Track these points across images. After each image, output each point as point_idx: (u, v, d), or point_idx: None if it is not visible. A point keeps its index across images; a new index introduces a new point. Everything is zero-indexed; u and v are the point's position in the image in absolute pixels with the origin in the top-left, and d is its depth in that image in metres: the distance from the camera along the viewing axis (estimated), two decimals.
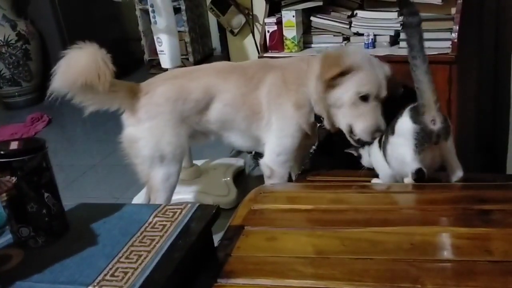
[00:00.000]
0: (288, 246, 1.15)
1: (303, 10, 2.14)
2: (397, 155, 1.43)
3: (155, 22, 2.29)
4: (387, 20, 2.01)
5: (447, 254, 1.10)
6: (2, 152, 1.03)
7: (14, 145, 1.05)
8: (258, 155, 1.94)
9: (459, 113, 1.89)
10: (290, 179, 1.94)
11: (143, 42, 4.60)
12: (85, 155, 3.38)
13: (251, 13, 2.69)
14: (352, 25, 2.09)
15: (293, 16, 2.10)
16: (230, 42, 2.87)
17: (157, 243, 1.05)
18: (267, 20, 2.18)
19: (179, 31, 3.22)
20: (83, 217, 1.18)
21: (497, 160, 2.31)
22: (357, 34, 2.08)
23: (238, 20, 2.74)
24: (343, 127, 1.71)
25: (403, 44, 1.98)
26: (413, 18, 1.39)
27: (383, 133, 1.59)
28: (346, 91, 1.65)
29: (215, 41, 4.69)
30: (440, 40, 1.89)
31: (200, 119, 1.83)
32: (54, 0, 4.47)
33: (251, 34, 2.70)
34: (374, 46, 2.03)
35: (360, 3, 2.10)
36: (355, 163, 1.69)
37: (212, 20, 4.43)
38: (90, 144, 3.58)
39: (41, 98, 4.39)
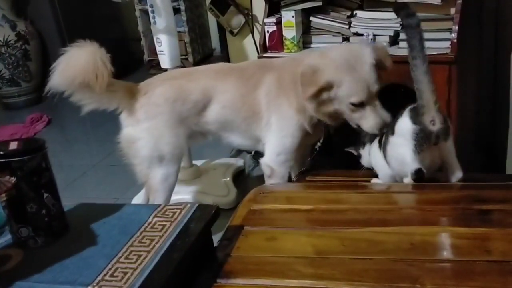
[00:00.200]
0: (287, 246, 1.15)
1: (303, 10, 2.14)
2: (396, 155, 1.43)
3: (155, 23, 2.29)
4: (387, 20, 2.01)
5: (446, 254, 1.10)
6: (1, 152, 1.03)
7: (13, 145, 1.05)
8: (257, 155, 1.94)
9: (459, 113, 1.89)
10: (290, 179, 1.94)
11: (142, 42, 4.59)
12: (85, 155, 3.38)
13: (250, 13, 2.69)
14: (352, 25, 2.09)
15: (293, 16, 2.10)
16: (230, 42, 2.87)
17: (156, 243, 1.05)
18: (266, 20, 2.18)
19: (178, 32, 3.22)
20: (82, 217, 1.18)
21: (496, 160, 2.31)
22: (357, 34, 2.08)
23: (238, 20, 2.74)
24: (353, 126, 1.70)
25: (402, 44, 1.98)
26: (411, 19, 1.39)
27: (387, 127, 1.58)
28: (338, 104, 1.64)
29: (215, 42, 4.68)
30: (439, 40, 1.90)
31: (199, 120, 1.83)
32: (53, 0, 4.47)
33: (250, 34, 2.70)
34: None
35: (360, 3, 2.10)
36: (354, 163, 1.69)
37: (212, 21, 4.43)
38: (89, 144, 3.58)
39: (40, 99, 4.39)
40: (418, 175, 1.36)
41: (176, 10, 4.02)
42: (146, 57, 4.63)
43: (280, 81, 1.77)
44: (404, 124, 1.39)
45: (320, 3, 2.13)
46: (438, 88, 1.82)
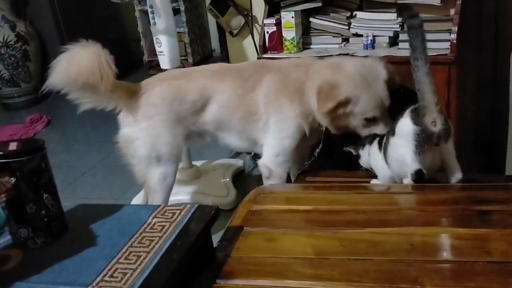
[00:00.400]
0: (287, 246, 1.15)
1: (302, 11, 2.14)
2: (397, 156, 1.43)
3: (154, 23, 2.29)
4: (386, 21, 2.01)
5: (446, 254, 1.10)
6: (1, 153, 1.03)
7: (13, 146, 1.05)
8: (257, 156, 1.94)
9: (458, 114, 1.89)
10: (289, 180, 1.94)
11: (142, 43, 4.60)
12: (84, 156, 3.38)
13: (250, 14, 2.69)
14: (351, 26, 2.09)
15: (292, 17, 2.10)
16: (230, 43, 2.87)
17: (156, 244, 1.05)
18: (266, 21, 2.18)
19: (178, 32, 3.22)
20: (82, 218, 1.18)
21: (496, 160, 2.31)
22: (356, 35, 2.08)
23: (237, 21, 2.74)
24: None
25: (402, 45, 1.98)
26: (414, 20, 1.39)
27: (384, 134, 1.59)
28: (354, 119, 1.69)
29: (215, 42, 4.68)
30: (439, 41, 1.89)
31: (197, 120, 1.83)
32: (53, 1, 4.47)
33: (250, 35, 2.70)
34: (373, 47, 2.03)
35: (359, 4, 2.10)
36: (354, 164, 1.69)
37: (212, 21, 4.43)
38: (89, 145, 3.58)
39: (40, 99, 4.38)
40: (418, 176, 1.37)
41: (176, 11, 4.02)
42: (145, 57, 4.63)
43: (281, 84, 1.77)
44: (405, 125, 1.39)
45: (319, 4, 2.13)
46: (438, 88, 1.82)
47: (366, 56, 1.87)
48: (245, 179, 2.68)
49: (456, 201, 1.29)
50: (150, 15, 2.29)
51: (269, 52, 2.19)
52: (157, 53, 2.37)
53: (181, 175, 2.53)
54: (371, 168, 1.62)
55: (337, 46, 2.12)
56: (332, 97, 1.65)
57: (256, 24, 2.68)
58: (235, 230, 1.22)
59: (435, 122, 1.35)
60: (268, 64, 1.90)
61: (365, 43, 2.03)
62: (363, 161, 1.65)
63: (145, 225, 1.12)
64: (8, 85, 4.38)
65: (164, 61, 2.35)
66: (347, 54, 2.01)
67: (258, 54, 2.26)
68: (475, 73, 2.27)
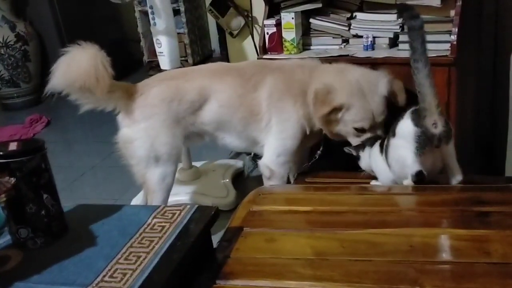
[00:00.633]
0: (287, 247, 1.15)
1: (302, 12, 2.14)
2: (397, 157, 1.43)
3: (154, 24, 2.29)
4: (386, 22, 2.01)
5: (446, 256, 1.10)
6: (1, 153, 1.03)
7: (13, 146, 1.05)
8: (257, 157, 1.94)
9: (458, 115, 1.89)
10: (288, 181, 1.94)
11: (142, 43, 4.59)
12: (84, 157, 3.38)
13: (250, 15, 2.69)
14: (351, 27, 2.09)
15: (292, 18, 2.10)
16: (229, 43, 2.87)
17: (156, 244, 1.05)
18: (266, 22, 2.18)
19: (178, 33, 3.21)
20: (82, 218, 1.18)
21: (496, 162, 2.31)
22: (356, 36, 2.08)
23: (237, 21, 2.74)
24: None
25: (402, 46, 1.98)
26: (415, 21, 1.39)
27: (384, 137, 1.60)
28: (343, 126, 1.71)
29: (214, 43, 4.68)
30: (439, 42, 1.89)
31: (196, 120, 1.83)
32: (53, 1, 4.46)
33: (250, 36, 2.70)
34: (373, 48, 2.03)
35: (359, 5, 2.10)
36: (353, 165, 1.69)
37: (212, 22, 4.43)
38: (89, 145, 3.58)
39: (40, 100, 4.38)
40: (419, 177, 1.37)
41: (176, 12, 4.02)
42: (145, 58, 4.63)
43: (285, 84, 1.77)
44: (406, 126, 1.39)
45: (319, 5, 2.13)
46: (438, 90, 1.82)
47: (375, 68, 1.84)
48: (244, 180, 2.67)
49: (455, 202, 1.29)
50: (150, 16, 2.29)
51: (269, 53, 2.19)
52: (157, 53, 2.37)
53: (181, 175, 2.53)
54: (372, 171, 1.62)
55: (337, 47, 2.11)
56: (328, 102, 1.67)
57: (256, 25, 2.68)
58: (235, 231, 1.22)
59: (436, 124, 1.35)
60: (269, 64, 1.90)
61: (365, 44, 2.03)
62: (363, 163, 1.65)
63: (145, 226, 1.12)
64: (7, 85, 4.38)
65: (164, 62, 2.35)
66: (347, 55, 2.01)
67: (258, 55, 2.26)
68: (475, 75, 2.27)
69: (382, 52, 1.98)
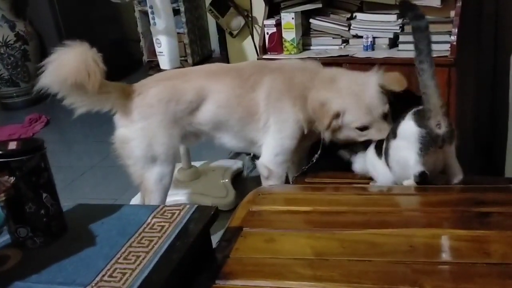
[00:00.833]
0: (286, 247, 1.14)
1: (303, 12, 2.14)
2: (399, 158, 1.43)
3: (154, 24, 2.29)
4: (386, 22, 2.01)
5: (446, 256, 1.10)
6: (0, 152, 1.02)
7: (12, 145, 1.05)
8: (256, 157, 1.93)
9: (458, 116, 1.89)
10: (287, 181, 1.93)
11: (142, 43, 4.59)
12: (84, 156, 3.37)
13: (250, 15, 2.68)
14: (351, 27, 2.09)
15: (292, 18, 2.10)
16: (229, 43, 2.87)
17: (155, 244, 1.05)
18: (266, 22, 2.18)
19: (178, 33, 3.21)
20: (81, 217, 1.18)
21: (495, 162, 2.31)
22: (356, 36, 2.08)
23: (237, 21, 2.73)
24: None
25: (402, 46, 1.98)
26: (420, 22, 1.37)
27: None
28: (347, 130, 1.71)
29: (214, 43, 4.68)
30: (439, 43, 1.89)
31: (193, 120, 1.82)
32: (53, 1, 4.46)
33: (250, 36, 2.70)
34: (373, 49, 2.03)
35: (360, 6, 2.10)
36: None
37: (211, 22, 4.43)
38: (88, 145, 3.58)
39: (39, 99, 4.38)
40: (422, 178, 1.37)
41: (176, 12, 4.02)
42: (145, 58, 4.63)
43: (284, 85, 1.77)
44: (408, 127, 1.39)
45: (320, 5, 2.13)
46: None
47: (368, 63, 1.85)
48: (244, 180, 2.67)
49: (455, 203, 1.29)
50: (150, 16, 2.29)
51: (269, 53, 2.19)
52: (157, 53, 2.37)
53: (180, 175, 2.53)
54: (367, 173, 1.62)
55: (337, 47, 2.11)
56: (325, 114, 1.68)
57: (256, 25, 2.68)
58: (235, 231, 1.22)
59: (440, 124, 1.35)
60: (269, 64, 1.90)
61: (365, 45, 2.03)
62: (358, 167, 1.66)
63: (145, 225, 1.12)
64: (7, 85, 4.38)
65: (164, 62, 2.35)
66: (347, 56, 2.01)
67: (258, 55, 2.26)
68: (475, 75, 2.27)
69: (382, 52, 1.98)
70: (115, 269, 0.98)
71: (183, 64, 3.27)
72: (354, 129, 1.69)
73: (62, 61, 1.67)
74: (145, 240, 1.06)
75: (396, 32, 2.01)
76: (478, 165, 2.33)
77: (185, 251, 1.03)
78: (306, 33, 2.18)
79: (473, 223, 1.15)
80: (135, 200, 2.38)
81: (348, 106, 1.68)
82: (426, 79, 1.35)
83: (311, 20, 2.17)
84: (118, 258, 1.01)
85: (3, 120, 4.16)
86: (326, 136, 1.75)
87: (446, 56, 1.83)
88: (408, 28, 1.99)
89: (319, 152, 1.81)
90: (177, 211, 1.16)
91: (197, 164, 2.67)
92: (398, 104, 1.65)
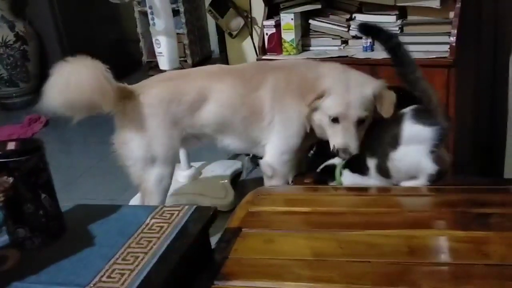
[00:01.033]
0: (285, 248, 1.14)
1: (302, 13, 2.14)
2: (410, 164, 1.42)
3: (154, 24, 2.29)
4: (386, 23, 2.01)
5: (444, 257, 1.10)
6: None
7: (11, 146, 1.05)
8: (255, 158, 1.93)
9: (457, 117, 1.90)
10: (287, 182, 1.93)
11: (141, 44, 4.58)
12: (83, 157, 3.37)
13: (249, 16, 2.69)
14: (351, 28, 2.09)
15: (292, 19, 2.10)
16: (229, 44, 2.87)
17: (154, 244, 1.05)
18: (265, 22, 2.18)
19: (177, 33, 3.21)
20: (80, 218, 1.17)
21: (495, 163, 2.31)
22: (356, 37, 2.09)
23: (237, 22, 2.74)
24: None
25: None
26: (395, 39, 1.43)
27: (350, 154, 1.59)
28: (320, 114, 1.67)
29: (214, 44, 4.68)
30: (438, 44, 1.90)
31: (194, 122, 1.81)
32: (52, 1, 4.45)
33: (249, 37, 2.70)
34: (372, 50, 2.03)
35: (359, 7, 2.10)
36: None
37: (211, 23, 4.43)
38: (87, 145, 3.57)
39: (38, 99, 4.37)
40: (439, 176, 1.37)
41: (176, 12, 4.02)
42: (144, 58, 4.62)
43: (287, 83, 1.76)
44: (418, 129, 1.39)
45: (319, 6, 2.14)
46: (437, 91, 1.83)
47: (374, 69, 1.84)
48: (243, 181, 2.67)
49: (454, 204, 1.29)
50: (150, 16, 2.29)
51: (268, 53, 2.19)
52: (156, 54, 2.37)
53: (179, 176, 2.53)
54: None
55: (336, 48, 2.12)
56: (314, 88, 1.65)
57: (255, 26, 2.68)
58: (234, 232, 1.21)
59: (444, 119, 1.39)
60: (270, 64, 1.89)
61: (364, 46, 2.03)
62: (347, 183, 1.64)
63: (143, 226, 1.12)
64: (6, 85, 4.37)
65: (163, 62, 2.35)
66: (347, 57, 2.01)
67: (257, 56, 2.26)
68: (474, 76, 2.27)
69: (381, 53, 1.97)
70: (114, 269, 0.98)
71: (182, 64, 3.28)
72: (327, 116, 1.64)
73: (72, 81, 1.61)
74: (144, 240, 1.06)
75: (395, 33, 2.01)
76: (477, 166, 2.33)
77: (184, 251, 1.03)
78: (305, 34, 2.19)
79: (472, 224, 1.15)
80: (135, 201, 2.38)
81: (335, 91, 1.63)
82: (422, 84, 1.38)
83: (310, 21, 2.17)
84: (117, 259, 1.01)
85: (3, 121, 4.15)
86: (307, 113, 1.71)
87: (445, 57, 1.84)
88: (407, 29, 2.00)
89: (314, 148, 1.80)
90: (176, 212, 1.16)
91: (196, 164, 2.67)
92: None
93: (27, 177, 1.03)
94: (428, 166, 1.38)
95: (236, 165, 2.71)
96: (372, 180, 1.52)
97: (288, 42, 2.13)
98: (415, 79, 1.38)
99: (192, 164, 2.61)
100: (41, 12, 4.46)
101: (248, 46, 2.75)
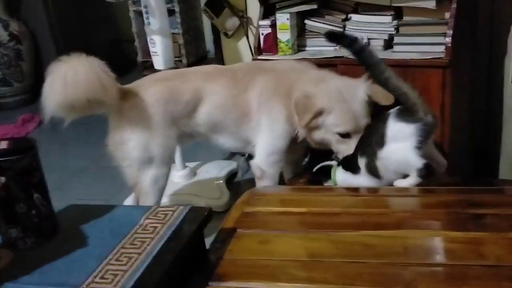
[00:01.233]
0: (280, 249, 1.14)
1: (298, 13, 2.14)
2: (397, 162, 1.42)
3: (149, 24, 2.28)
4: (381, 24, 2.02)
5: (440, 258, 1.10)
6: None
7: (3, 145, 1.04)
8: (251, 158, 1.93)
9: (452, 117, 1.90)
10: (282, 182, 1.93)
11: (136, 43, 4.57)
12: (77, 157, 3.36)
13: (245, 16, 2.68)
14: (346, 28, 2.09)
15: (288, 19, 2.10)
16: (224, 44, 2.87)
17: (148, 245, 1.04)
18: (261, 22, 2.18)
19: (172, 33, 3.21)
20: (73, 218, 1.16)
21: (490, 164, 2.32)
22: None
23: (232, 22, 2.73)
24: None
25: (397, 48, 1.99)
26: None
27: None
28: (325, 133, 1.67)
29: (209, 44, 4.67)
30: (434, 45, 1.90)
31: (189, 121, 1.81)
32: (47, 0, 4.44)
33: (245, 37, 2.70)
34: None
35: (354, 7, 2.10)
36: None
37: (206, 22, 4.42)
38: (82, 146, 3.56)
39: (32, 99, 4.36)
40: (427, 170, 1.37)
41: (171, 12, 4.00)
42: (139, 58, 4.61)
43: (275, 85, 1.76)
44: (401, 127, 1.39)
45: (315, 6, 2.13)
46: (432, 92, 1.84)
47: None
48: (238, 181, 2.67)
49: (450, 205, 1.29)
50: (145, 15, 2.29)
51: (263, 53, 2.19)
52: (151, 53, 2.36)
53: (174, 176, 2.52)
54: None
55: (332, 48, 2.11)
56: (309, 108, 1.64)
57: (251, 26, 2.68)
58: (228, 232, 1.21)
59: (428, 115, 1.37)
60: (262, 65, 1.90)
61: None
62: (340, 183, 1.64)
63: (137, 226, 1.11)
64: (0, 84, 4.35)
65: (158, 62, 2.34)
66: (342, 57, 2.01)
67: (252, 56, 2.26)
68: (470, 77, 2.28)
69: (377, 53, 1.97)
70: (107, 270, 0.97)
71: (177, 64, 3.27)
72: (334, 134, 1.65)
73: (69, 80, 1.58)
74: (138, 241, 1.05)
75: (391, 34, 2.01)
76: (472, 167, 2.34)
77: (178, 252, 1.02)
78: (301, 34, 2.19)
79: (467, 225, 1.15)
80: (129, 201, 2.37)
81: (335, 108, 1.64)
82: (394, 82, 1.39)
83: (306, 21, 2.17)
84: (110, 259, 1.00)
85: None
86: (300, 133, 1.72)
87: (441, 58, 1.84)
88: (403, 30, 2.00)
89: (307, 159, 1.80)
90: (171, 212, 1.15)
91: (191, 164, 2.66)
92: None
93: (20, 177, 1.02)
94: (415, 161, 1.38)
95: (231, 165, 2.71)
96: (362, 179, 1.52)
97: (283, 42, 2.13)
98: (384, 79, 1.39)
99: (187, 164, 2.61)
100: (35, 12, 4.44)
101: (243, 46, 2.75)
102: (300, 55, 2.14)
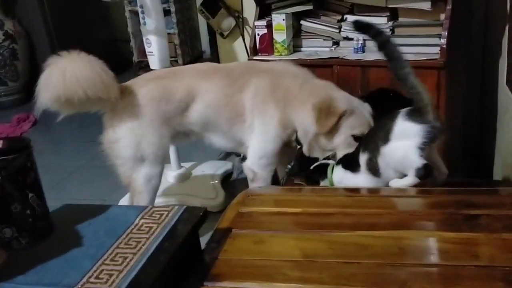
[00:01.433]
0: (275, 249, 1.14)
1: (293, 13, 2.14)
2: (398, 159, 1.42)
3: (145, 23, 2.28)
4: (377, 25, 2.01)
5: (434, 258, 1.10)
6: None
7: None
8: (245, 159, 1.93)
9: (447, 119, 1.90)
10: (277, 183, 1.93)
11: (132, 43, 4.57)
12: (72, 157, 3.35)
13: (241, 16, 2.68)
14: (342, 29, 2.09)
15: (283, 20, 2.10)
16: (220, 44, 2.87)
17: (143, 245, 1.03)
18: (257, 23, 2.18)
19: (168, 33, 3.20)
20: (68, 218, 1.16)
21: (484, 165, 2.32)
22: (347, 38, 2.09)
23: (228, 22, 2.73)
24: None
25: None
26: (384, 36, 1.45)
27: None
28: (339, 136, 1.68)
29: (205, 44, 4.67)
30: (429, 46, 1.91)
31: (182, 120, 1.81)
32: (42, 0, 4.43)
33: (241, 37, 2.70)
34: (363, 51, 2.03)
35: (350, 8, 2.11)
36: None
37: (202, 23, 4.42)
38: (77, 145, 3.55)
39: (27, 98, 4.34)
40: (426, 170, 1.37)
41: (167, 12, 4.01)
42: (135, 58, 4.61)
43: (271, 88, 1.76)
44: (409, 127, 1.39)
45: (311, 7, 2.14)
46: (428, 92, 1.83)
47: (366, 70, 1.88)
48: (234, 182, 2.67)
49: (444, 205, 1.29)
50: (141, 15, 2.28)
51: (259, 54, 2.19)
52: (147, 53, 2.36)
53: (169, 176, 2.52)
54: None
55: (327, 49, 2.12)
56: (333, 111, 1.65)
57: (247, 26, 2.68)
58: (223, 232, 1.21)
59: (436, 119, 1.38)
60: (258, 65, 1.89)
61: (356, 47, 2.03)
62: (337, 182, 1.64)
63: (132, 226, 1.11)
64: None
65: (154, 62, 2.34)
66: (338, 58, 2.02)
67: (248, 56, 2.26)
68: (465, 78, 2.29)
69: (372, 54, 1.98)
70: (102, 270, 0.97)
71: (173, 65, 3.26)
72: (349, 135, 1.67)
73: (68, 76, 1.58)
74: (133, 241, 1.05)
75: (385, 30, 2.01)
76: (466, 168, 2.35)
77: (173, 252, 1.02)
78: (297, 35, 2.19)
79: (461, 226, 1.15)
80: (124, 201, 2.36)
81: (355, 110, 1.66)
82: (412, 80, 1.38)
83: (302, 22, 2.17)
84: (105, 260, 1.00)
85: None
86: (305, 148, 1.74)
87: (436, 59, 1.84)
88: (398, 31, 2.01)
89: (292, 163, 1.81)
90: (166, 212, 1.15)
91: (186, 165, 2.66)
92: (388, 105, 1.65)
93: (14, 176, 1.02)
94: (415, 161, 1.38)
95: (226, 165, 2.71)
96: (361, 177, 1.52)
97: (279, 42, 2.13)
98: (403, 74, 1.39)
99: (182, 164, 2.60)
100: (30, 11, 4.43)
101: (239, 47, 2.75)
102: (296, 55, 2.14)
